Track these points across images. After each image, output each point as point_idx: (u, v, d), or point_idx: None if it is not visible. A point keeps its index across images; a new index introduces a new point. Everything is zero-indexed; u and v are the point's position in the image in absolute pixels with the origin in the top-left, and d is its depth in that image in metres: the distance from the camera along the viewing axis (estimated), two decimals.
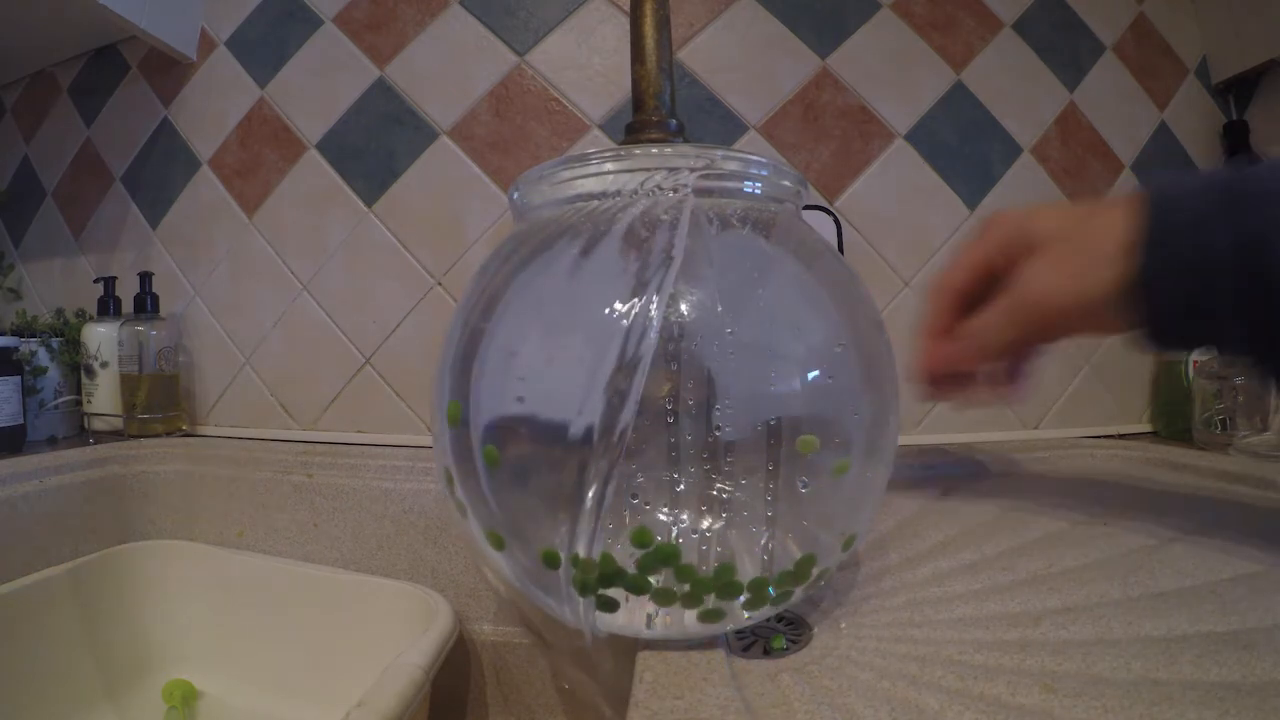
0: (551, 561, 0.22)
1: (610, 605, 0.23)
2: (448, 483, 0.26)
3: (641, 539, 0.22)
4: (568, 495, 0.21)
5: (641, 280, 0.22)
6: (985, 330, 0.32)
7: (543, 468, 0.23)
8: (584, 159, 0.25)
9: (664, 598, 0.22)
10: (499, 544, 0.24)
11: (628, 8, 0.30)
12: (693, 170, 0.24)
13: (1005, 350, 0.33)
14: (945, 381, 0.35)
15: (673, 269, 0.22)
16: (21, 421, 0.64)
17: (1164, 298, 0.28)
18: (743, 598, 0.23)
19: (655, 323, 0.21)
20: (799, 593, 0.24)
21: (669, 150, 0.25)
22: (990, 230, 0.34)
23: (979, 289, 0.34)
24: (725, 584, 0.22)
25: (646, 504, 0.23)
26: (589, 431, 0.21)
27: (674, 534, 0.23)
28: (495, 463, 0.23)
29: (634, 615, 0.23)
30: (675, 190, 0.24)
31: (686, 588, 0.22)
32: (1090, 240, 0.30)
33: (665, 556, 0.22)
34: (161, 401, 0.73)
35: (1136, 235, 0.28)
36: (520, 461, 0.24)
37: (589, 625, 0.23)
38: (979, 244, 0.34)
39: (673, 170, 0.24)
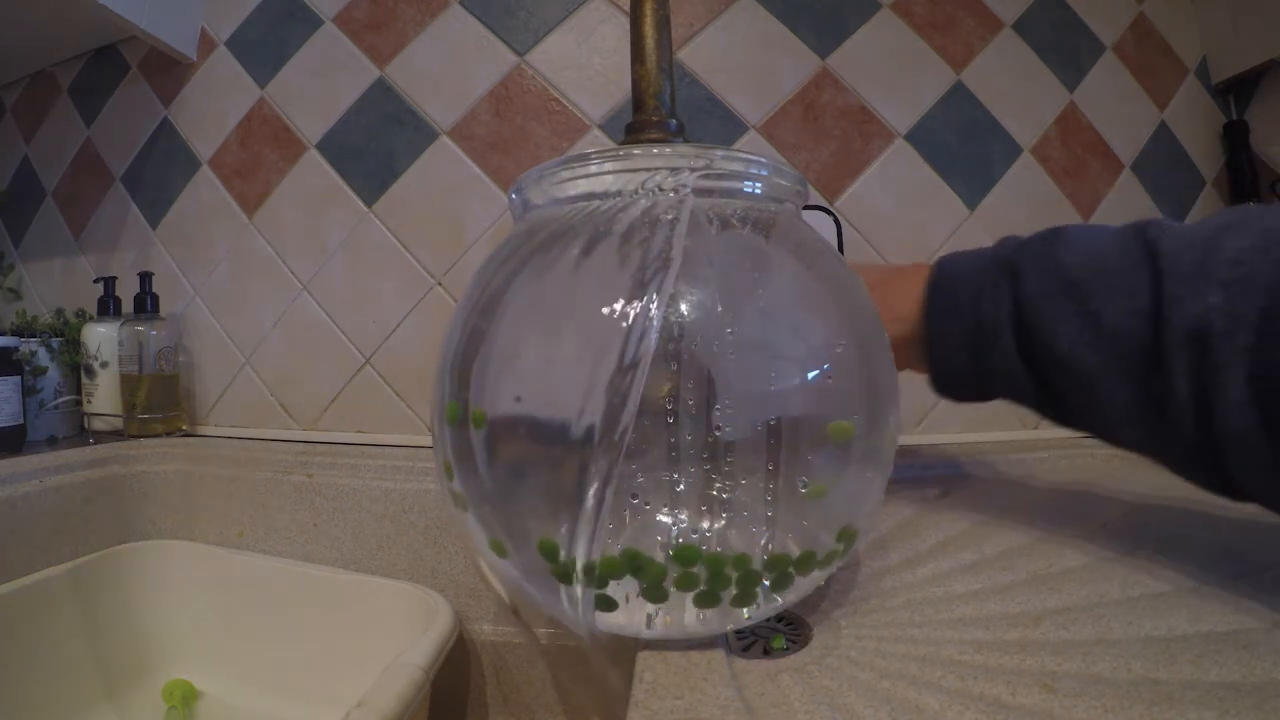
0: (549, 553, 0.22)
1: (609, 604, 0.23)
2: (446, 476, 0.26)
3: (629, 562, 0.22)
4: (568, 494, 0.21)
5: (641, 280, 0.22)
6: None
7: (543, 467, 0.23)
8: (584, 159, 0.25)
9: (659, 596, 0.22)
10: (501, 550, 0.24)
11: (628, 8, 0.30)
12: (692, 170, 0.24)
13: None
14: None
15: (672, 269, 0.22)
16: (21, 421, 0.64)
17: (948, 363, 0.34)
18: (737, 590, 0.23)
19: (656, 323, 0.21)
20: (799, 582, 0.24)
21: (669, 150, 0.25)
22: None
23: None
24: (744, 573, 0.22)
25: (646, 504, 0.23)
26: (590, 432, 0.21)
27: (674, 534, 0.23)
28: (481, 423, 0.23)
29: (634, 615, 0.23)
30: (675, 190, 0.24)
31: (701, 572, 0.22)
32: (884, 302, 0.35)
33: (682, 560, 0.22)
34: (161, 401, 0.73)
35: (924, 303, 0.34)
36: (520, 461, 0.24)
37: (588, 625, 0.23)
38: None
39: (673, 170, 0.24)
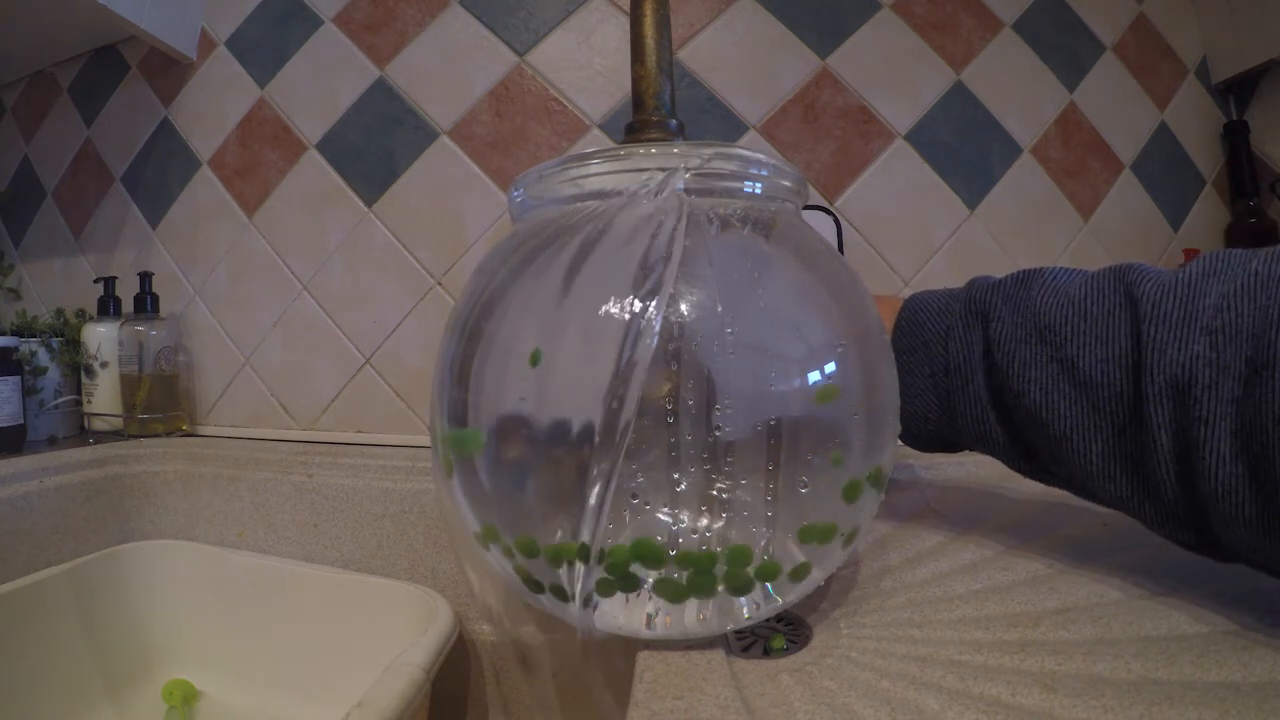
0: (564, 555, 0.22)
1: (609, 588, 0.22)
2: (446, 474, 0.26)
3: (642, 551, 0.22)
4: (569, 495, 0.21)
5: (639, 280, 0.22)
6: None
7: (545, 468, 0.23)
8: (583, 159, 0.25)
9: (664, 588, 0.22)
10: (493, 535, 0.24)
11: (628, 8, 0.30)
12: (688, 170, 0.24)
13: None
14: None
15: (670, 269, 0.22)
16: (21, 421, 0.64)
17: (915, 404, 0.32)
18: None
19: (656, 324, 0.21)
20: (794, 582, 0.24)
21: (670, 150, 0.25)
22: None
23: None
24: (736, 555, 0.22)
25: (646, 504, 0.23)
26: (589, 432, 0.21)
27: (674, 533, 0.23)
28: (479, 447, 0.24)
29: (634, 615, 0.23)
30: (674, 189, 0.24)
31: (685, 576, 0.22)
32: None
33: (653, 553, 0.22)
34: (161, 401, 0.73)
35: (891, 341, 0.31)
36: (522, 462, 0.24)
37: (585, 624, 0.23)
38: None
39: (670, 169, 0.24)
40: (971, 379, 0.30)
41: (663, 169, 0.24)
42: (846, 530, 0.24)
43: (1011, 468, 0.31)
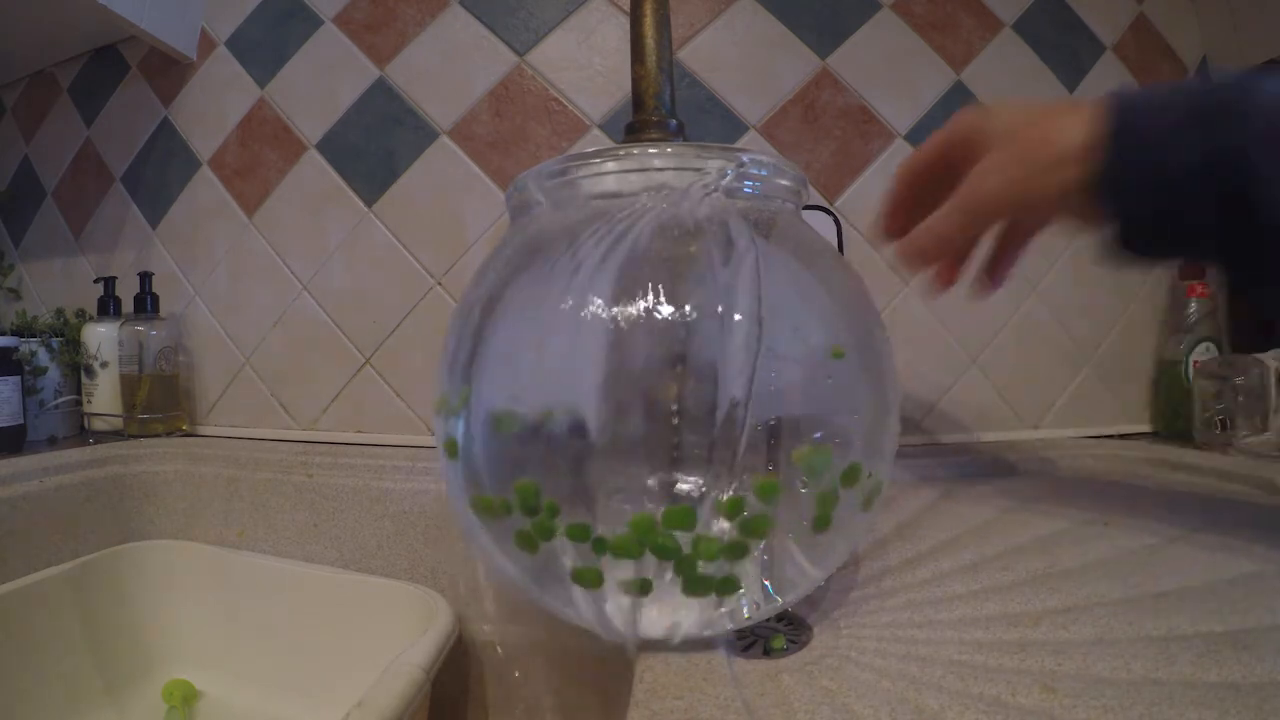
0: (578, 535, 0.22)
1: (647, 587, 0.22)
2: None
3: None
4: (591, 495, 0.21)
5: (680, 279, 0.22)
6: (934, 227, 0.33)
7: (554, 467, 0.23)
8: (583, 158, 0.25)
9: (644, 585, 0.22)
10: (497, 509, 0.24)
11: (628, 8, 0.30)
12: (714, 184, 0.24)
13: (959, 244, 0.34)
14: (916, 260, 0.35)
15: (750, 267, 0.22)
16: (21, 421, 0.64)
17: (1130, 208, 0.29)
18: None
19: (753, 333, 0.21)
20: (796, 577, 0.24)
21: (670, 150, 0.25)
22: (953, 123, 0.34)
23: (938, 173, 0.35)
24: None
25: (648, 504, 0.23)
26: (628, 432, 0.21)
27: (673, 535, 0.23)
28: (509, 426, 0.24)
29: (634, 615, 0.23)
30: (718, 190, 0.24)
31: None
32: (1044, 141, 0.30)
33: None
34: (161, 401, 0.73)
35: (1100, 141, 0.28)
36: (526, 464, 0.24)
37: (631, 631, 0.23)
38: (941, 133, 0.35)
39: (699, 171, 0.24)
40: (1196, 186, 0.27)
41: (696, 169, 0.24)
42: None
43: (1240, 282, 0.29)
